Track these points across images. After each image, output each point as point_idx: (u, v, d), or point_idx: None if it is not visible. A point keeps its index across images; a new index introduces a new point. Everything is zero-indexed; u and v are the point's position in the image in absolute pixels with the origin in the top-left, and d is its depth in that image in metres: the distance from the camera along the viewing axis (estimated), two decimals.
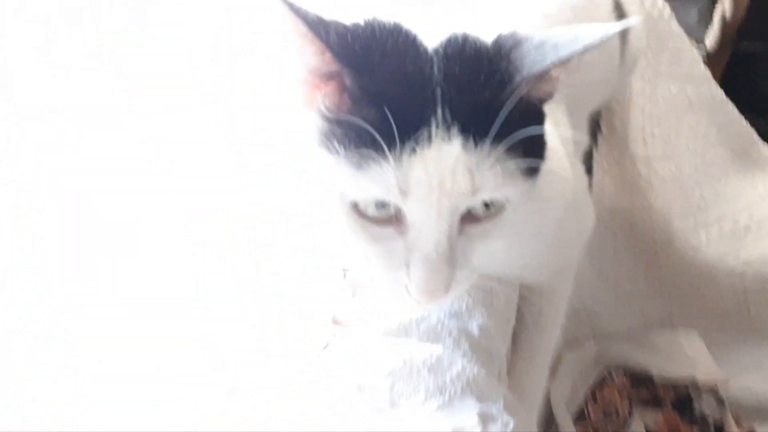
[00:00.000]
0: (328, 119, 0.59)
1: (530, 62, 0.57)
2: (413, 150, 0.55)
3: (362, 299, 0.80)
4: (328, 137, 0.59)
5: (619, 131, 1.46)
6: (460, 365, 0.71)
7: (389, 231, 0.61)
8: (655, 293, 1.54)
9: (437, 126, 0.55)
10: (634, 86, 1.44)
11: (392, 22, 0.60)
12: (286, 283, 0.83)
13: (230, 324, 0.79)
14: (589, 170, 1.37)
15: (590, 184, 1.37)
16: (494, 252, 0.66)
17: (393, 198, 0.57)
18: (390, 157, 0.55)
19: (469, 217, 0.61)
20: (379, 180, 0.56)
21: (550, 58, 0.56)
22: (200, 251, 0.86)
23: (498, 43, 0.60)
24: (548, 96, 0.62)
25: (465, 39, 0.60)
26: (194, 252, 0.86)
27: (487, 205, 0.60)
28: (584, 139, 1.09)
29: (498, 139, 0.56)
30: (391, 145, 0.55)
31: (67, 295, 0.81)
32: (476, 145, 0.56)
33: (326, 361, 0.75)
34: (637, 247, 1.52)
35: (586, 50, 0.56)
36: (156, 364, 0.74)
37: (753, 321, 1.54)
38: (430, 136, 0.55)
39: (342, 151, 0.58)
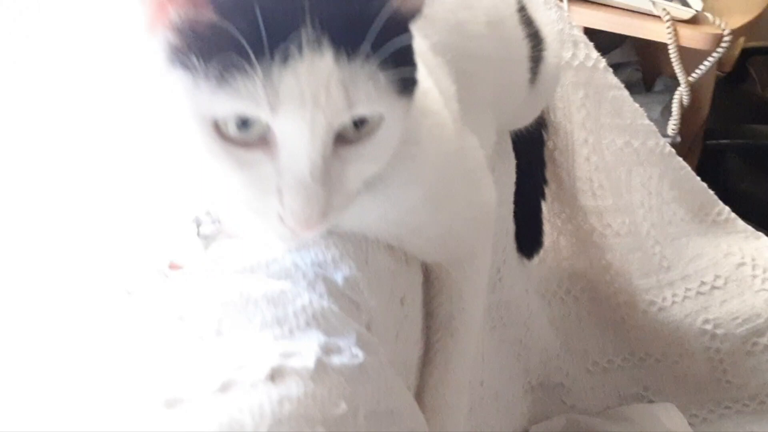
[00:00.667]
0: (182, 32, 0.56)
1: None
2: (284, 61, 0.54)
3: (214, 249, 0.78)
4: (183, 52, 0.56)
5: (566, 184, 1.48)
6: (307, 299, 0.66)
7: (257, 155, 0.58)
8: (627, 364, 1.51)
9: (308, 38, 0.54)
10: (576, 136, 1.45)
11: None
12: (119, 228, 0.83)
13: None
14: (538, 227, 1.42)
15: (541, 245, 1.42)
16: (365, 175, 0.65)
17: (262, 113, 0.55)
18: (258, 68, 0.53)
19: (340, 139, 0.59)
20: (245, 93, 0.54)
21: None
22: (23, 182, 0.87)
23: None
24: (416, 10, 0.62)
25: None
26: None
27: (357, 126, 0.59)
28: (490, 138, 1.08)
29: (370, 52, 0.56)
30: (259, 55, 0.53)
31: None
32: (348, 58, 0.55)
33: (150, 299, 0.71)
34: (602, 313, 1.51)
35: None
36: None
37: (731, 390, 1.49)
38: (300, 48, 0.54)
39: (202, 64, 0.55)
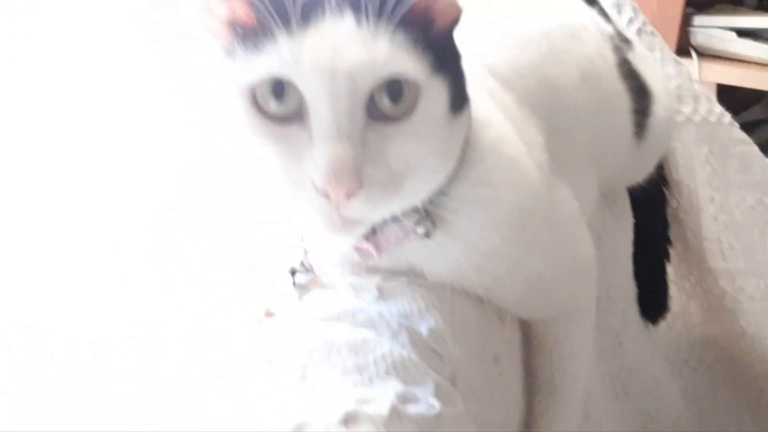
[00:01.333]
0: (229, 23, 0.60)
1: None
2: (307, 23, 0.57)
3: (307, 299, 0.78)
4: (230, 44, 0.60)
5: (693, 245, 1.33)
6: (388, 348, 0.66)
7: (293, 128, 0.59)
8: None
9: (330, 4, 0.57)
10: (701, 194, 1.31)
11: None
12: (223, 277, 0.84)
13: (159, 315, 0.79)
14: (664, 293, 1.30)
15: (667, 310, 1.29)
16: (416, 164, 0.63)
17: (290, 71, 0.57)
18: (284, 30, 0.56)
19: (378, 117, 0.59)
20: (273, 54, 0.57)
21: None
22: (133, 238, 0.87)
23: None
24: (450, 16, 0.63)
25: None
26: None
27: (394, 101, 0.59)
28: (591, 194, 1.00)
29: (390, 19, 0.57)
30: (284, 20, 0.56)
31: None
32: (369, 22, 0.57)
33: (243, 344, 0.74)
34: (739, 385, 1.36)
35: None
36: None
37: None
38: (323, 11, 0.57)
39: (240, 45, 0.58)
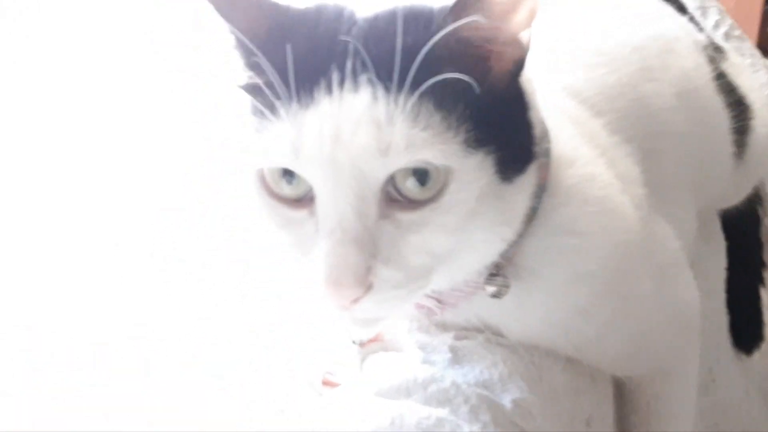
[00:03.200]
0: (244, 88, 0.55)
1: (457, 9, 0.50)
2: (309, 103, 0.49)
3: (370, 363, 0.71)
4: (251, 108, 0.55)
5: None
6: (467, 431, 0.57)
7: (303, 213, 0.53)
8: None
9: (342, 78, 0.49)
10: None
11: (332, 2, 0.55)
12: (281, 336, 0.77)
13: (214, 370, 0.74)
14: (759, 320, 1.20)
15: (762, 339, 1.17)
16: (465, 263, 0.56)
17: (287, 158, 0.50)
18: (282, 112, 0.50)
19: (399, 201, 0.50)
20: (274, 138, 0.50)
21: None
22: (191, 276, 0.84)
23: (445, 5, 0.51)
24: (496, 54, 0.52)
25: (412, 5, 0.53)
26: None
27: (422, 183, 0.50)
28: (690, 226, 0.89)
29: (421, 92, 0.48)
30: (285, 100, 0.50)
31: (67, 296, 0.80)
32: (390, 98, 0.48)
33: (301, 421, 0.65)
34: None
35: None
36: None
37: None
38: (329, 87, 0.49)
39: (252, 118, 0.53)
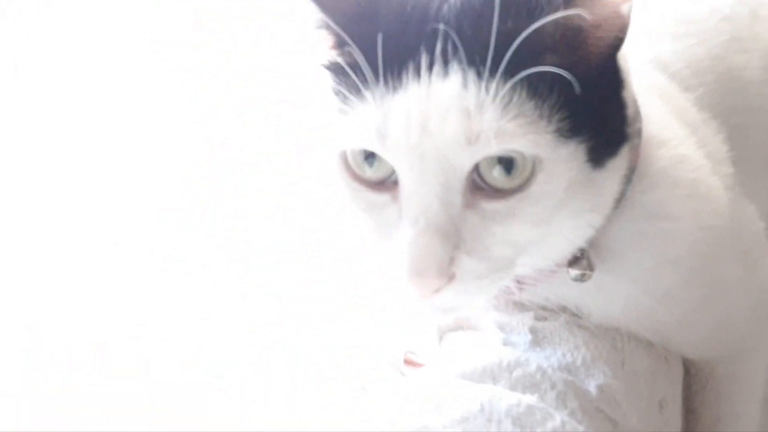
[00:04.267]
0: (328, 67, 0.53)
1: None
2: (397, 87, 0.47)
3: (448, 343, 0.68)
4: (332, 88, 0.52)
5: None
6: (558, 420, 0.54)
7: (385, 197, 0.51)
8: None
9: (431, 61, 0.47)
10: None
11: None
12: (281, 336, 0.75)
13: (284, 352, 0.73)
14: None
15: None
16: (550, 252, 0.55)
17: (372, 143, 0.49)
18: (367, 95, 0.48)
19: (485, 189, 0.49)
20: (359, 122, 0.49)
21: None
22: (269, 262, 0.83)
23: None
24: (598, 30, 0.49)
25: None
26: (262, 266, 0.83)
27: (508, 172, 0.48)
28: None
29: (514, 78, 0.46)
30: (372, 83, 0.48)
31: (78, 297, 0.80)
32: (481, 84, 0.46)
33: (387, 402, 0.61)
34: None
35: None
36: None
37: None
38: (418, 71, 0.47)
39: (334, 98, 0.51)
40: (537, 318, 0.64)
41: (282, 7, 0.96)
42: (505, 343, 0.62)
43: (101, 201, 0.90)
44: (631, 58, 0.56)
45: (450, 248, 0.48)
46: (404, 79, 0.47)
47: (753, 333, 0.74)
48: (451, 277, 0.49)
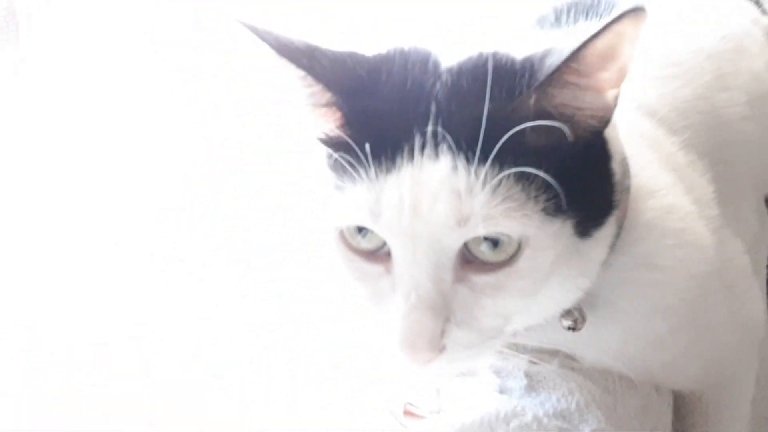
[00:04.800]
0: (324, 141, 0.54)
1: (544, 67, 0.48)
2: (390, 168, 0.48)
3: (446, 392, 0.68)
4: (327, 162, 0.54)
5: None
6: None
7: (378, 268, 0.53)
8: None
9: (423, 143, 0.48)
10: None
11: (414, 46, 0.54)
12: (281, 336, 0.76)
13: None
14: None
15: None
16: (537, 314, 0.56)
17: (366, 222, 0.50)
18: (363, 175, 0.49)
19: (474, 262, 0.50)
20: (353, 201, 0.50)
21: (558, 57, 0.47)
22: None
23: (528, 57, 0.50)
24: (581, 115, 0.50)
25: (493, 55, 0.50)
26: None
27: (495, 245, 0.49)
28: (754, 224, 0.88)
29: (502, 162, 0.47)
30: (367, 163, 0.49)
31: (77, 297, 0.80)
32: (470, 167, 0.47)
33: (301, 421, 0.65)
34: None
35: (594, 39, 0.46)
36: None
37: None
38: (411, 153, 0.48)
39: (330, 173, 0.52)
40: (531, 362, 0.64)
41: (282, 7, 0.96)
42: (502, 390, 0.64)
43: (101, 201, 0.90)
44: (618, 107, 0.57)
45: (441, 322, 0.49)
46: (398, 160, 0.48)
47: (739, 362, 0.76)
48: (441, 349, 0.50)
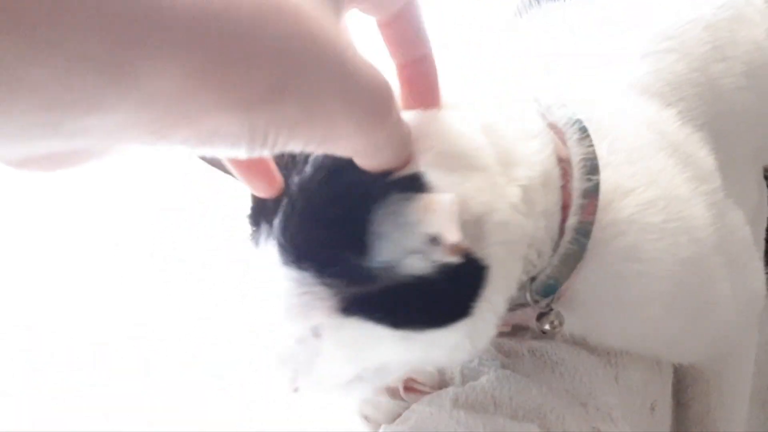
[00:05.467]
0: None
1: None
2: (256, 244, 0.54)
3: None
4: None
5: None
6: None
7: None
8: None
9: (267, 232, 0.52)
10: None
11: None
12: (223, 277, 0.81)
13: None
14: None
15: None
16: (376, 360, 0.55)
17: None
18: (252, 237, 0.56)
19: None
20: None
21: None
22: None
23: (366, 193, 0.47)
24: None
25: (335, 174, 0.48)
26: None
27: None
28: (755, 194, 0.89)
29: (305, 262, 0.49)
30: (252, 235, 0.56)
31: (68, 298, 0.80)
32: (283, 258, 0.50)
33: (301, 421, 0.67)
34: None
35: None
36: None
37: None
38: (258, 239, 0.53)
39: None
40: (534, 337, 0.64)
41: None
42: (505, 366, 0.63)
43: (101, 201, 0.90)
44: (609, 86, 0.58)
45: (287, 371, 0.55)
46: (254, 241, 0.54)
47: (740, 335, 0.75)
48: (296, 390, 0.55)
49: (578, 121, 0.57)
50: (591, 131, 0.57)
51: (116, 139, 0.31)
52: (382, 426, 0.61)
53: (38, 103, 0.26)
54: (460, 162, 0.46)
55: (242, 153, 0.35)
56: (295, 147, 0.37)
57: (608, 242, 0.59)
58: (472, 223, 0.46)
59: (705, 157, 0.70)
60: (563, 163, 0.55)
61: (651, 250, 0.60)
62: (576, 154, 0.56)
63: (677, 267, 0.62)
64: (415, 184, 0.44)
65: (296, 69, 0.34)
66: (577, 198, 0.55)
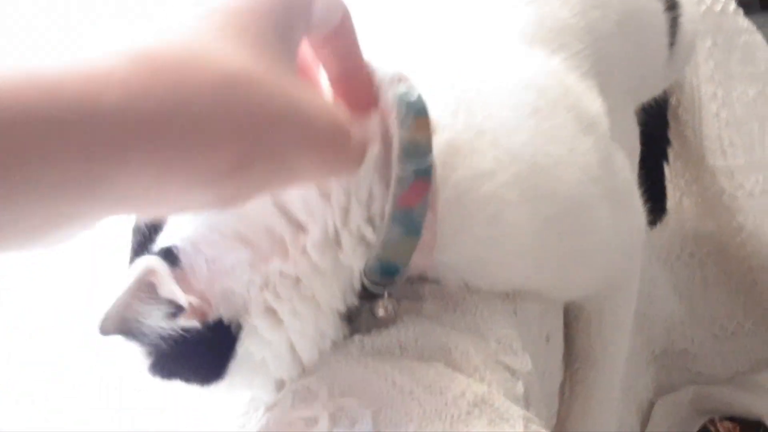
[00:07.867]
0: None
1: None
2: None
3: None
4: None
5: (692, 143, 1.29)
6: (465, 383, 0.56)
7: None
8: (758, 328, 1.36)
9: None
10: (704, 91, 1.26)
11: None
12: None
13: None
14: (661, 192, 1.28)
15: (664, 208, 1.27)
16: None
17: None
18: None
19: None
20: None
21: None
22: None
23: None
24: None
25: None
26: None
27: None
28: (633, 135, 0.95)
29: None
30: None
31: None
32: None
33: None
34: (732, 277, 1.36)
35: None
36: None
37: None
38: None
39: None
40: (433, 281, 0.63)
41: None
42: (408, 311, 0.63)
43: None
44: (497, 36, 0.62)
45: None
46: None
47: (621, 272, 0.77)
48: None
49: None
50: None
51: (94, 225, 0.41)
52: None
53: (33, 219, 0.33)
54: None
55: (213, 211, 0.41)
56: (265, 195, 0.44)
57: (470, 228, 0.58)
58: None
59: (593, 100, 0.71)
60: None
61: (511, 217, 0.59)
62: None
63: (545, 223, 0.62)
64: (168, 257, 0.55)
65: (257, 139, 0.37)
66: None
